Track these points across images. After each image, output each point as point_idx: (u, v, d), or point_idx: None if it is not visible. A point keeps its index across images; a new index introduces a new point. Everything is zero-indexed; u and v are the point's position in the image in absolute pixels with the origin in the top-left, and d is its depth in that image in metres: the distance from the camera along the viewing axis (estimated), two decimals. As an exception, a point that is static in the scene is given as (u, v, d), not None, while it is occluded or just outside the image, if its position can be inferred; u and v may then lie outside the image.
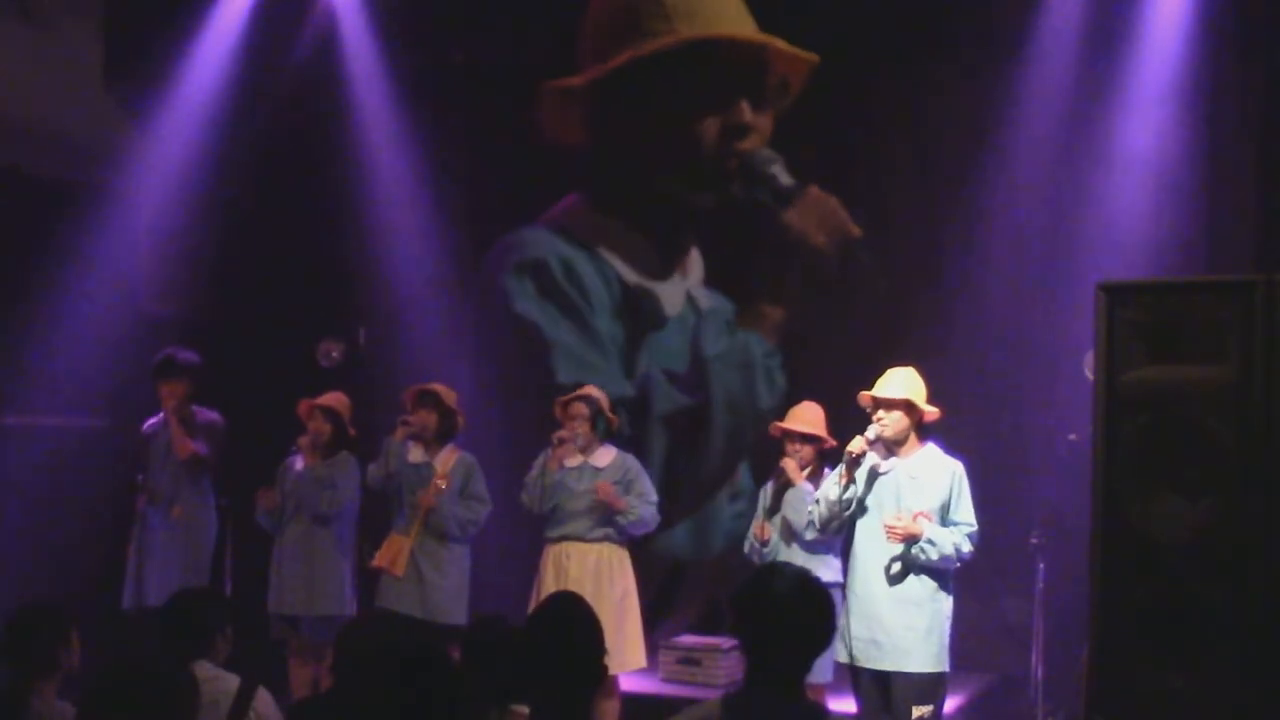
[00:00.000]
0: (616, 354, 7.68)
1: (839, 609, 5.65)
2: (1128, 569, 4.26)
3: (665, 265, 7.13)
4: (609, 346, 7.64)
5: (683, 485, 7.62)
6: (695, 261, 7.07)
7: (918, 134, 7.69)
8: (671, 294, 7.43)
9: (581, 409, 6.54)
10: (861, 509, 5.50)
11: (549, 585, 6.46)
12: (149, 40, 8.31)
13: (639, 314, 7.19)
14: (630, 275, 7.26)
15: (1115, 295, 4.34)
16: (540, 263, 7.43)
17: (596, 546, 6.50)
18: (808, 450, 6.30)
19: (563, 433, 6.54)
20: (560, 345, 7.77)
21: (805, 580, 3.27)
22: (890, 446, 5.48)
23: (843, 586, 5.85)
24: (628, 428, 7.22)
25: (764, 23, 7.74)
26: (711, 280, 7.26)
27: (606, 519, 6.48)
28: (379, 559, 6.75)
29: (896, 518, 5.36)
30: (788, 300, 7.04)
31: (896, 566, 5.40)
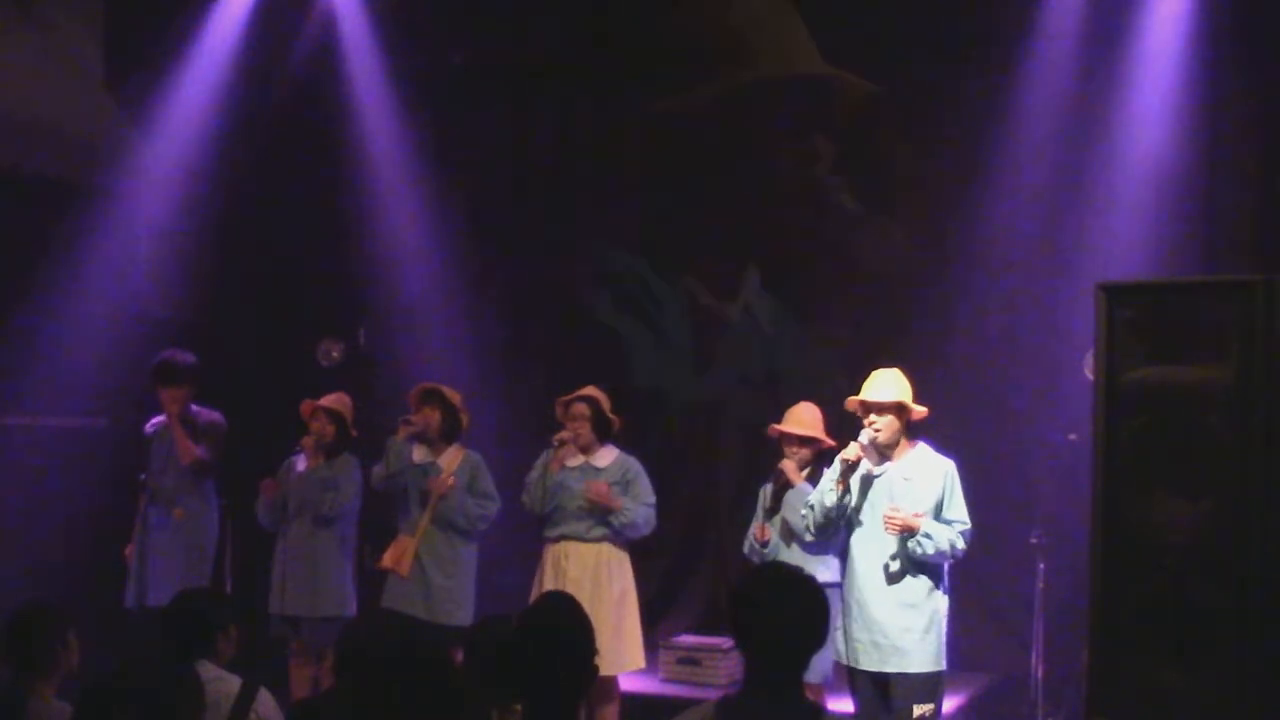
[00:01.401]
0: (688, 358, 8.16)
1: (837, 608, 5.66)
2: (1128, 569, 4.26)
3: (729, 283, 7.71)
4: (679, 351, 8.14)
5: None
6: (752, 272, 7.52)
7: (918, 134, 7.70)
8: (733, 306, 7.97)
9: (583, 409, 6.54)
10: (857, 514, 5.49)
11: (548, 585, 6.45)
12: (149, 40, 8.31)
13: (705, 324, 7.87)
14: (698, 291, 7.83)
15: (1115, 295, 4.35)
16: (618, 275, 7.99)
17: (595, 546, 6.50)
18: (806, 451, 6.29)
19: (564, 434, 6.54)
20: (636, 349, 8.19)
21: (798, 580, 3.26)
22: (882, 449, 5.47)
23: (841, 586, 5.85)
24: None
25: (767, 20, 7.77)
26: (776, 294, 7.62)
27: (605, 519, 6.48)
28: (385, 559, 6.75)
29: (894, 508, 5.35)
30: (852, 324, 7.54)
31: (893, 566, 5.39)
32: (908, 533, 5.34)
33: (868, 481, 5.46)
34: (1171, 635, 4.18)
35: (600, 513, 6.46)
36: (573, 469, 6.55)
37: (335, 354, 8.26)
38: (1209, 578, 4.15)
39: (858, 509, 5.47)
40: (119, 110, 8.37)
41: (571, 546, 6.51)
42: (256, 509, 6.97)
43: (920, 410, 5.48)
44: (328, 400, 6.92)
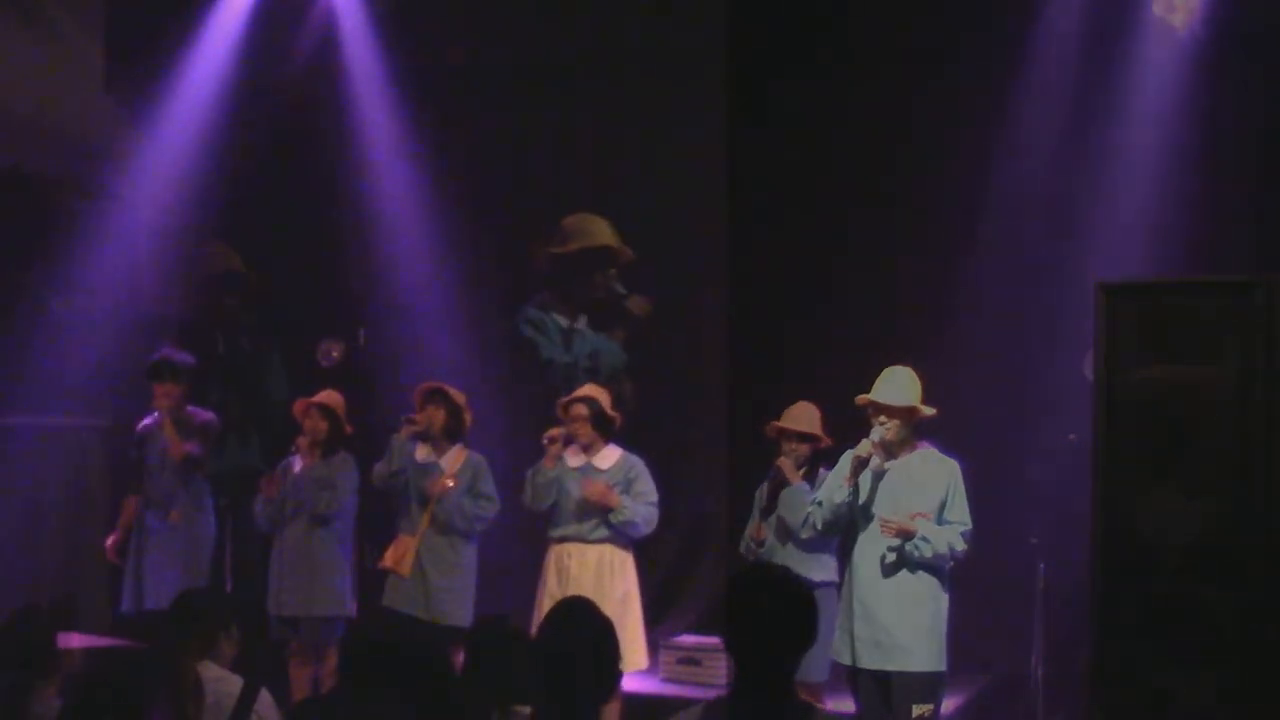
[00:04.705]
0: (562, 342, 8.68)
1: (834, 608, 5.66)
2: (1128, 569, 4.26)
3: (574, 319, 8.66)
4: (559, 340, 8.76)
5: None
6: (583, 317, 8.71)
7: (918, 134, 7.69)
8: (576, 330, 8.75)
9: (582, 410, 6.56)
10: (864, 511, 5.50)
11: (551, 585, 6.48)
12: (149, 40, 8.32)
13: (568, 337, 8.71)
14: (564, 323, 8.72)
15: (1115, 295, 4.35)
16: (531, 315, 8.77)
17: (598, 546, 6.51)
18: (804, 449, 6.30)
19: (554, 430, 6.56)
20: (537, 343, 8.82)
21: (785, 580, 3.25)
22: (890, 447, 5.48)
23: (837, 586, 5.85)
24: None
25: (768, 30, 7.83)
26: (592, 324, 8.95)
27: (606, 518, 6.49)
28: (386, 559, 6.75)
29: (893, 514, 5.37)
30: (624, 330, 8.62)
31: (894, 565, 5.41)
32: (905, 537, 5.35)
33: (875, 478, 5.47)
34: (1171, 635, 4.18)
35: (600, 511, 6.47)
36: (575, 469, 6.57)
37: (335, 354, 8.26)
38: (1209, 578, 4.16)
39: (865, 506, 5.49)
40: (119, 110, 8.37)
41: (574, 547, 6.52)
42: (254, 507, 6.97)
43: (929, 411, 5.49)
44: (319, 398, 6.92)
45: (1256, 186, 6.98)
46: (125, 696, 3.16)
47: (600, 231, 8.19)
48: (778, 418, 6.41)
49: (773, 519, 6.30)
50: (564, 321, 8.46)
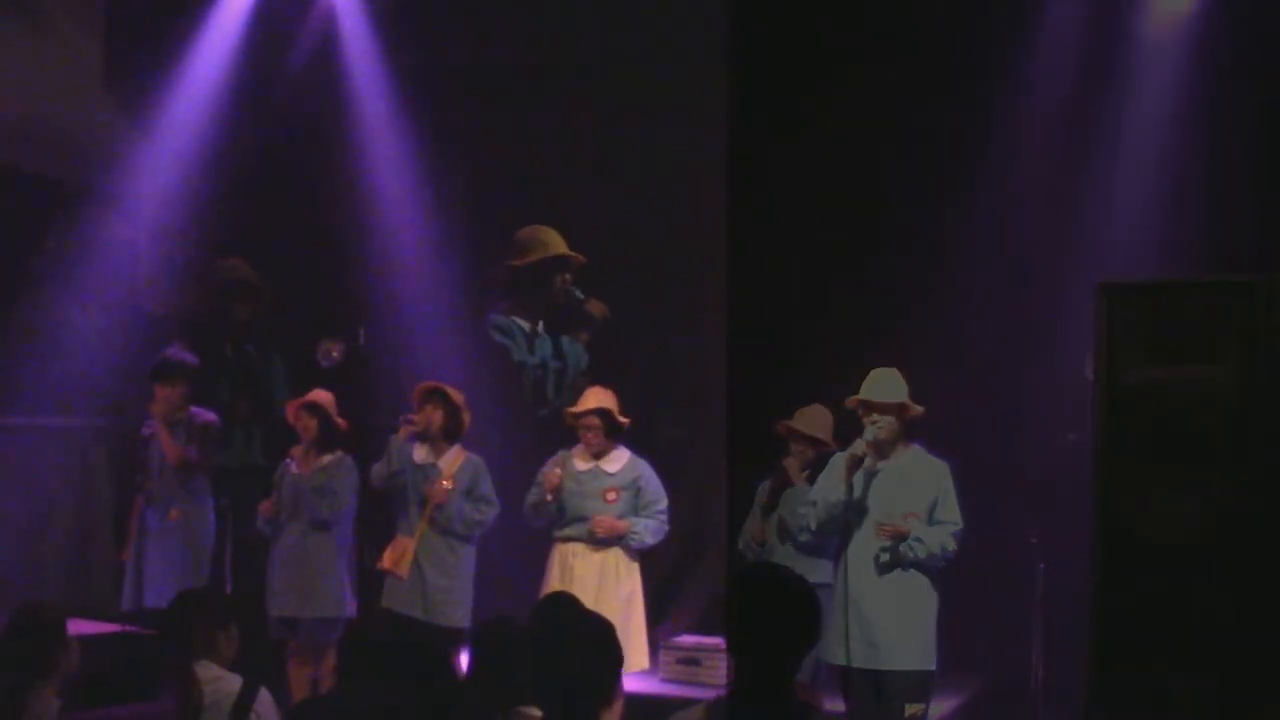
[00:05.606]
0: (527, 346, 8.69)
1: (829, 608, 5.67)
2: (1128, 569, 4.26)
3: (535, 323, 8.82)
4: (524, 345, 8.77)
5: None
6: (542, 322, 8.84)
7: (918, 133, 7.69)
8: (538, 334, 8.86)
9: (594, 421, 6.60)
10: (856, 510, 5.52)
11: (554, 585, 6.49)
12: (149, 40, 8.32)
13: (531, 340, 8.85)
14: (527, 327, 8.77)
15: (1115, 295, 4.34)
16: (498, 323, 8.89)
17: (604, 548, 6.52)
18: (810, 452, 6.31)
19: (553, 479, 6.63)
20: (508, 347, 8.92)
21: (786, 580, 3.26)
22: (881, 448, 5.50)
23: (833, 587, 5.86)
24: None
25: (768, 31, 7.82)
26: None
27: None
28: (384, 560, 6.75)
29: (886, 513, 5.40)
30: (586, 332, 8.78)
31: (887, 565, 5.43)
32: (899, 538, 5.37)
33: (868, 478, 5.49)
34: (1171, 635, 4.18)
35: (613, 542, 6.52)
36: (584, 472, 6.61)
37: (335, 354, 8.25)
38: (1209, 577, 4.16)
39: (858, 506, 5.50)
40: (119, 110, 8.37)
41: (580, 547, 6.55)
42: (258, 519, 6.97)
43: (917, 409, 5.51)
44: (307, 397, 6.93)
45: (1256, 186, 6.98)
46: None
47: (554, 242, 8.53)
48: (779, 417, 6.41)
49: (774, 518, 6.31)
50: (527, 326, 8.74)
